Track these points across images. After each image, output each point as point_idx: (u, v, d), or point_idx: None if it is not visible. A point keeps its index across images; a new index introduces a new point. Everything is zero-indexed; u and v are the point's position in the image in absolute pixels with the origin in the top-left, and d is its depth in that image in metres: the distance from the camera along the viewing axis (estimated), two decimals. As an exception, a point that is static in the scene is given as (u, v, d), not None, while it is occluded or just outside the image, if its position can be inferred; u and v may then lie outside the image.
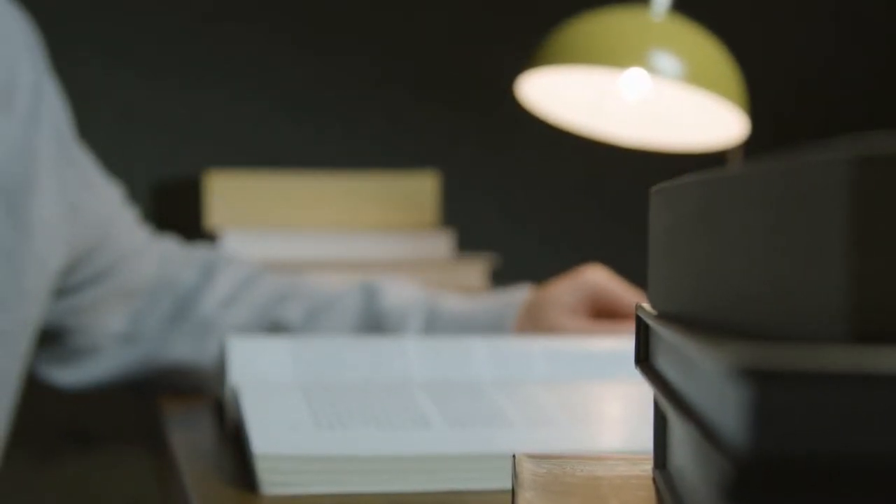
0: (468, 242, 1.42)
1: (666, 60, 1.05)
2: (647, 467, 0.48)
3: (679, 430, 0.37)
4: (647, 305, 0.44)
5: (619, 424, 0.73)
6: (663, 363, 0.40)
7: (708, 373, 0.28)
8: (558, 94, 1.17)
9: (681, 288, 0.37)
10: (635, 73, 1.08)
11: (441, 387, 0.76)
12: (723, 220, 0.34)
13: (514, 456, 0.50)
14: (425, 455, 0.63)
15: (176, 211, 1.45)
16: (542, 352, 0.86)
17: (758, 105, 1.14)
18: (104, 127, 1.57)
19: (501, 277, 1.34)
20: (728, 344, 0.26)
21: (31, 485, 1.49)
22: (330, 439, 0.65)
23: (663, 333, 0.37)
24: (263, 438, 0.65)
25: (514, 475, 0.47)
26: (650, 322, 0.41)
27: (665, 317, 0.39)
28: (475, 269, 1.33)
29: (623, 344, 0.88)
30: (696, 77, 1.05)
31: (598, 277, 0.98)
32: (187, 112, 1.59)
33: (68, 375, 0.98)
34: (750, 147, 1.17)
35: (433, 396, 0.73)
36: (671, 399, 0.35)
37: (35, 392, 0.99)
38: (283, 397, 0.73)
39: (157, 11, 1.61)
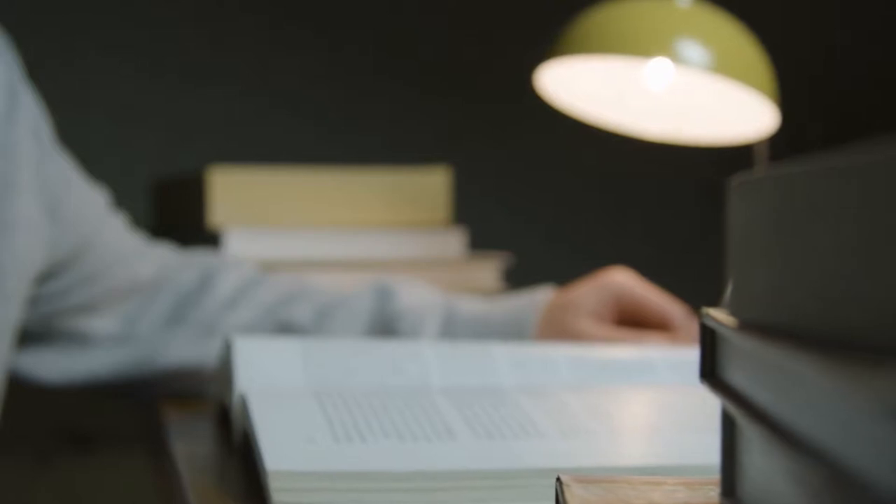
0: (481, 241, 1.39)
1: (692, 49, 1.01)
2: (710, 493, 0.43)
3: (770, 458, 0.32)
4: (715, 311, 0.39)
5: (657, 435, 0.67)
6: (743, 378, 0.35)
7: (843, 405, 0.23)
8: (578, 85, 1.13)
9: (772, 294, 0.32)
10: (660, 63, 1.03)
11: (463, 393, 0.71)
12: (831, 217, 0.29)
13: (559, 479, 0.45)
14: (453, 471, 0.58)
15: (177, 209, 1.42)
16: (567, 359, 0.81)
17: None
18: (105, 123, 1.55)
19: (516, 277, 1.31)
20: (879, 373, 0.21)
21: (28, 486, 1.46)
22: (350, 454, 0.60)
23: (753, 347, 0.32)
24: (277, 453, 0.60)
25: (563, 502, 0.42)
26: (729, 332, 0.36)
27: (749, 326, 0.34)
28: (488, 269, 1.29)
29: (652, 353, 0.84)
30: (725, 67, 1.01)
31: (623, 281, 0.95)
32: (189, 107, 1.57)
33: (54, 372, 0.95)
34: (773, 141, 1.12)
35: (456, 404, 0.68)
36: (765, 426, 0.30)
37: (34, 393, 0.96)
38: (296, 406, 0.68)
39: (158, 6, 1.58)
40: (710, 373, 0.40)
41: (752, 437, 0.35)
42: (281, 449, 0.60)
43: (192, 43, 1.58)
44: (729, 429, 0.40)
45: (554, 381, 0.79)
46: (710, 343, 0.40)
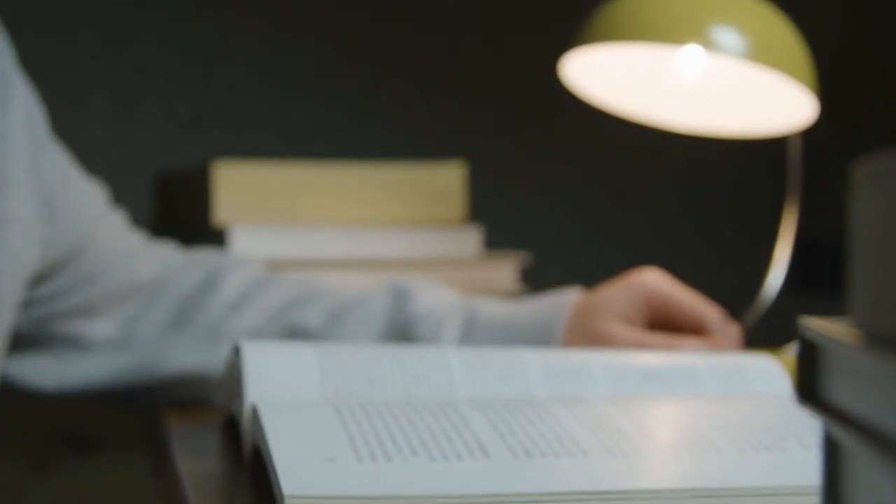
0: (497, 239, 1.35)
1: (726, 35, 0.96)
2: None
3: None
4: (820, 322, 0.34)
5: (713, 452, 0.61)
6: (865, 403, 0.30)
7: None
8: (604, 75, 1.08)
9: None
10: (692, 50, 0.98)
11: (494, 405, 0.66)
12: None
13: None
14: (490, 495, 0.53)
15: (180, 205, 1.40)
16: (604, 367, 0.76)
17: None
18: (103, 116, 1.51)
19: (534, 278, 1.27)
20: None
21: (26, 491, 1.43)
22: (375, 475, 0.55)
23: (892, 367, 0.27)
24: (294, 474, 0.54)
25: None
26: (846, 348, 0.30)
27: (881, 341, 0.28)
28: (505, 269, 1.26)
29: (693, 359, 0.78)
30: (761, 54, 0.96)
31: (654, 281, 0.90)
32: (192, 99, 1.54)
33: (49, 379, 0.92)
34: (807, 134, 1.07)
35: (488, 417, 0.63)
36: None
37: (29, 397, 0.93)
38: (314, 419, 0.62)
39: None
40: (812, 394, 0.34)
41: (883, 474, 0.29)
42: (298, 470, 0.55)
43: (196, 33, 1.54)
44: (833, 459, 0.34)
45: (591, 391, 0.74)
46: (810, 359, 0.34)
